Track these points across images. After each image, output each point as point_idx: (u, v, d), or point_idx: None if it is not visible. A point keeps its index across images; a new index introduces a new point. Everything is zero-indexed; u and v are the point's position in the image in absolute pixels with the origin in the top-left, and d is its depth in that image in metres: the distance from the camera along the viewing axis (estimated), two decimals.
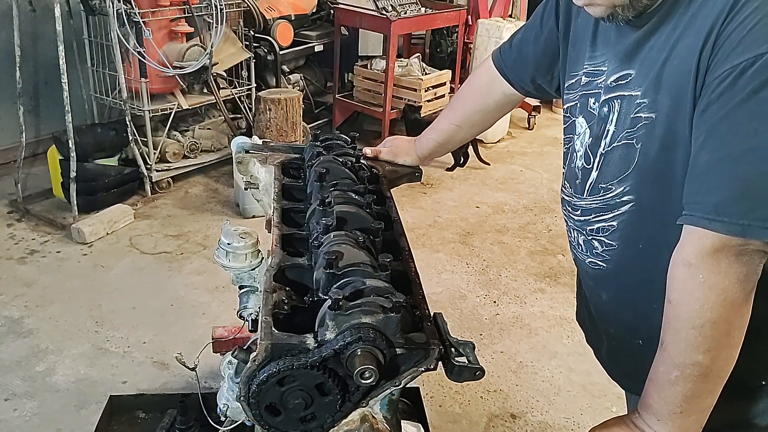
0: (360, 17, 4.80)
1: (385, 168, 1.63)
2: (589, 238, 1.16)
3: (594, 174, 1.12)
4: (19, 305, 3.01)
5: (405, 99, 4.87)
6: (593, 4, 1.02)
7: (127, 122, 3.90)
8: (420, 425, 1.78)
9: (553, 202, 4.37)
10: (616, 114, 1.06)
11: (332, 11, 5.03)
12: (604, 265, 1.16)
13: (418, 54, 5.30)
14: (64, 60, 3.47)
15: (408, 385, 1.05)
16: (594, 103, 1.12)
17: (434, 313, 1.12)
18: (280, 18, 4.65)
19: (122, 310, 3.01)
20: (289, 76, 4.92)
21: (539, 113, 5.71)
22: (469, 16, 5.23)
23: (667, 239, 1.00)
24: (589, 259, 1.19)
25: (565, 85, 1.23)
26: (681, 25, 0.96)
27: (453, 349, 1.05)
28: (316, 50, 5.02)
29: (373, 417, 1.06)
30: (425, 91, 4.86)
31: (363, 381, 0.95)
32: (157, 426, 1.99)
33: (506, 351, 2.89)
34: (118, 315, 2.97)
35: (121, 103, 3.90)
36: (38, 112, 4.45)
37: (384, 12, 4.67)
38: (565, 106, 1.22)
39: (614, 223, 1.11)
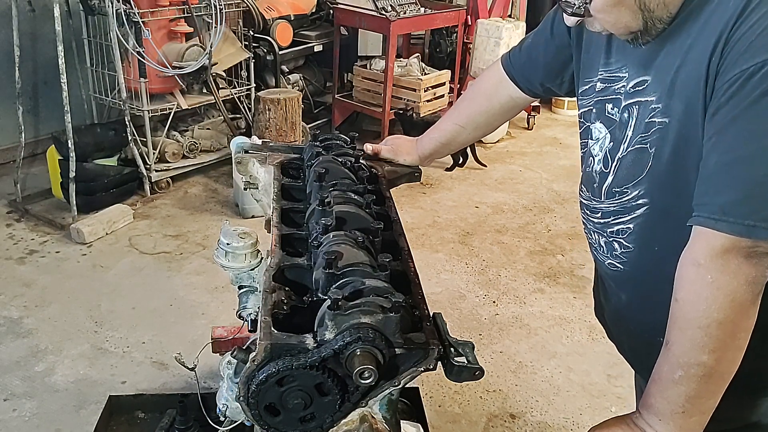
0: (359, 17, 4.80)
1: (385, 168, 1.63)
2: (610, 239, 1.17)
3: (610, 178, 1.14)
4: (19, 305, 3.01)
5: (404, 99, 4.87)
6: (610, 32, 1.05)
7: (127, 122, 3.90)
8: (419, 425, 1.78)
9: (552, 203, 4.37)
10: (634, 119, 1.07)
11: (332, 11, 5.03)
12: (621, 267, 1.17)
13: (418, 54, 5.30)
14: (63, 60, 3.47)
15: (407, 385, 1.05)
16: (613, 109, 1.12)
17: (433, 313, 1.13)
18: (280, 18, 4.65)
19: (121, 310, 3.01)
20: (289, 76, 4.92)
21: (539, 113, 5.72)
22: (469, 16, 5.22)
23: (681, 242, 1.01)
24: (609, 261, 1.20)
25: (579, 91, 1.24)
26: (694, 32, 0.98)
27: (452, 349, 1.05)
28: (315, 50, 5.02)
29: (373, 417, 1.07)
30: (424, 91, 4.86)
31: (362, 381, 0.95)
32: (157, 426, 1.99)
33: (505, 351, 2.89)
34: (118, 315, 2.97)
35: (121, 103, 3.90)
36: (37, 112, 4.45)
37: (383, 12, 4.67)
38: (580, 112, 1.23)
39: (630, 226, 1.12)
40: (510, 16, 5.41)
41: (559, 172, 4.85)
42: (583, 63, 1.23)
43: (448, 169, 4.75)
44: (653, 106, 1.03)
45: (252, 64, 4.46)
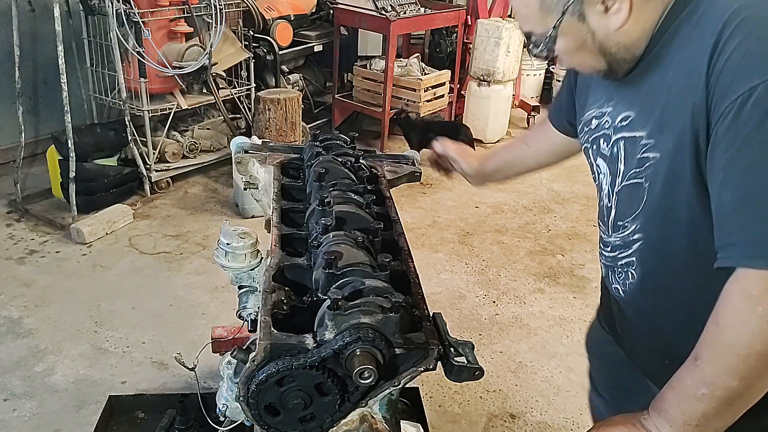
0: (359, 17, 4.80)
1: (385, 168, 1.63)
2: (625, 271, 1.19)
3: (613, 212, 1.15)
4: (18, 305, 3.01)
5: (404, 99, 4.87)
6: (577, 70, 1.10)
7: (127, 122, 3.90)
8: (419, 425, 1.79)
9: (552, 203, 4.37)
10: (623, 153, 1.09)
11: (331, 11, 5.03)
12: (624, 296, 1.20)
13: (418, 54, 5.30)
14: (63, 60, 3.47)
15: (407, 385, 1.05)
16: (603, 143, 1.14)
17: (433, 313, 1.13)
18: (280, 18, 4.65)
19: (121, 310, 3.01)
20: (289, 76, 4.92)
21: (539, 113, 5.71)
22: (469, 16, 5.23)
23: (675, 276, 1.03)
24: (615, 285, 1.22)
25: (578, 130, 1.26)
26: (671, 69, 0.98)
27: (452, 349, 1.05)
28: (315, 50, 5.02)
29: (373, 417, 1.07)
30: (424, 91, 4.86)
31: (362, 381, 0.95)
32: (157, 426, 1.99)
33: (505, 351, 2.89)
34: (118, 315, 2.97)
35: (121, 103, 3.90)
36: (37, 112, 4.45)
37: (383, 12, 4.67)
38: (582, 149, 1.26)
39: (633, 259, 1.14)
40: (510, 16, 5.41)
41: (559, 172, 4.85)
42: (579, 103, 1.25)
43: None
44: (644, 141, 1.04)
45: (252, 64, 4.45)
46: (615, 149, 1.10)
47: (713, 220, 0.94)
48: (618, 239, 1.16)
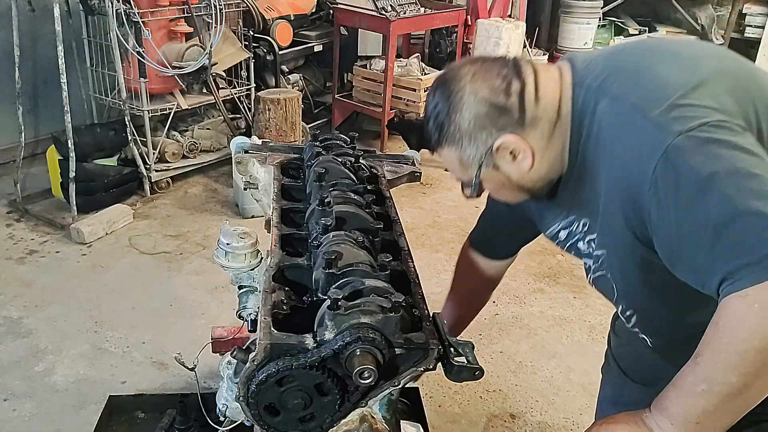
0: (359, 17, 4.80)
1: (385, 168, 1.63)
2: (637, 333, 1.30)
3: (609, 295, 1.27)
4: (18, 305, 3.01)
5: (404, 99, 4.87)
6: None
7: (127, 122, 3.90)
8: (419, 425, 1.79)
9: None
10: (593, 251, 1.21)
11: (331, 11, 5.03)
12: (651, 346, 1.29)
13: (418, 54, 5.29)
14: (63, 60, 3.47)
15: (407, 385, 1.05)
16: (582, 245, 1.25)
17: (433, 313, 1.13)
18: (280, 18, 4.65)
19: (121, 310, 3.01)
20: (289, 76, 4.92)
21: None
22: (469, 16, 5.22)
23: (680, 332, 1.12)
24: (641, 336, 1.31)
25: (546, 235, 1.37)
26: (594, 182, 1.10)
27: (452, 349, 1.05)
28: (315, 50, 5.02)
29: (373, 417, 1.07)
30: (424, 91, 4.85)
31: (362, 381, 0.95)
32: (156, 426, 1.99)
33: (505, 351, 2.89)
34: (117, 315, 2.97)
35: (121, 103, 3.90)
36: (37, 112, 4.44)
37: (383, 12, 4.67)
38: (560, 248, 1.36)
39: (637, 329, 1.26)
40: (510, 16, 5.41)
41: None
42: (537, 213, 1.34)
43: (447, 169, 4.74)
44: (597, 240, 1.17)
45: (252, 64, 4.45)
46: (590, 248, 1.22)
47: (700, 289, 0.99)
48: (621, 315, 1.28)
